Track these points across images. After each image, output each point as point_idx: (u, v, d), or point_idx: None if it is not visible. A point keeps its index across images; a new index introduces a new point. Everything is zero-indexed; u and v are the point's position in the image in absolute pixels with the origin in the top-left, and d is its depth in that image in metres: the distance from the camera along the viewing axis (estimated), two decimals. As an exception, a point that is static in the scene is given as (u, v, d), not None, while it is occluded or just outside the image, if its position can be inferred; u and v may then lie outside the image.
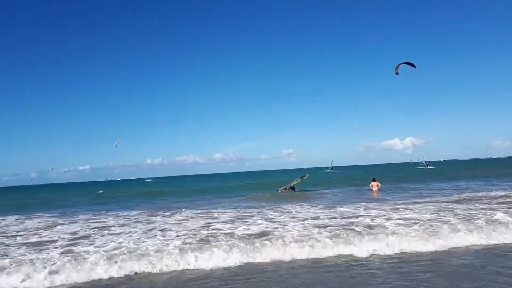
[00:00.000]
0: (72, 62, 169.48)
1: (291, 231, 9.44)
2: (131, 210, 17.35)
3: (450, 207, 12.59)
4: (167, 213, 15.01)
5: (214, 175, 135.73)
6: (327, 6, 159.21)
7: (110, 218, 14.50)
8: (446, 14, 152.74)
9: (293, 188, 26.04)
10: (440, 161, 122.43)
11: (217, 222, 11.76)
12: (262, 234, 9.18)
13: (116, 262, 7.24)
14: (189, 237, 9.21)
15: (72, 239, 10.12)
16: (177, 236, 9.55)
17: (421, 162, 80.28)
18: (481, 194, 16.64)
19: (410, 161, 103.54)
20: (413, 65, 16.97)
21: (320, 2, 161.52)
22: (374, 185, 21.97)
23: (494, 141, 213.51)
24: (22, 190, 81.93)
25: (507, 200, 13.89)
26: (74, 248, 8.78)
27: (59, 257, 7.82)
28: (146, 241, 9.00)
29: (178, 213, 15.00)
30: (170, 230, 10.67)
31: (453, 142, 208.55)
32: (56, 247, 9.05)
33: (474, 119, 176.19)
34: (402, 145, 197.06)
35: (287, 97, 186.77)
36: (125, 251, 7.93)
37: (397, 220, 10.22)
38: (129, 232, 10.67)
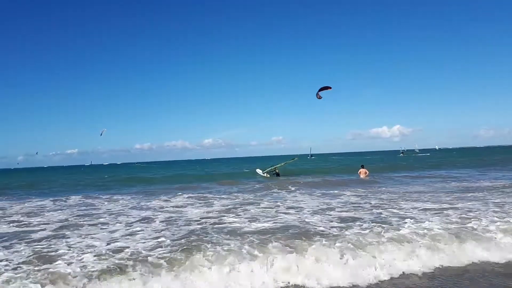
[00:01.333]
0: (62, 47, 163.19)
1: (317, 225, 8.02)
2: (113, 197, 16.21)
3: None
4: (156, 201, 13.94)
5: (203, 161, 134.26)
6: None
7: (91, 207, 13.38)
8: (435, 8, 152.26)
9: (277, 174, 25.34)
10: (435, 148, 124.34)
11: (219, 214, 10.55)
12: (289, 232, 7.21)
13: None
14: (188, 236, 7.90)
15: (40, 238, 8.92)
16: (173, 236, 8.09)
17: (413, 150, 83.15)
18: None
19: (400, 148, 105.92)
20: (329, 87, 19.36)
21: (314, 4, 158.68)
22: (362, 172, 21.74)
23: (480, 131, 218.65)
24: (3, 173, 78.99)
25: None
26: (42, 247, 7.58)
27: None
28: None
29: (167, 200, 13.96)
30: (160, 223, 9.55)
31: (440, 131, 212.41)
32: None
33: (461, 109, 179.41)
34: (390, 133, 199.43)
35: (277, 85, 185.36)
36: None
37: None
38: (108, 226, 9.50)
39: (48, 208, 13.31)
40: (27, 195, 19.02)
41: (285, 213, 9.97)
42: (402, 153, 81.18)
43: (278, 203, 12.08)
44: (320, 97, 20.15)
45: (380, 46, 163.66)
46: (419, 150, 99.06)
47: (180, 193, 16.30)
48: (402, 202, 11.11)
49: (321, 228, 7.68)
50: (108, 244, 7.08)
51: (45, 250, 6.81)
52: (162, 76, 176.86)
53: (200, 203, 12.91)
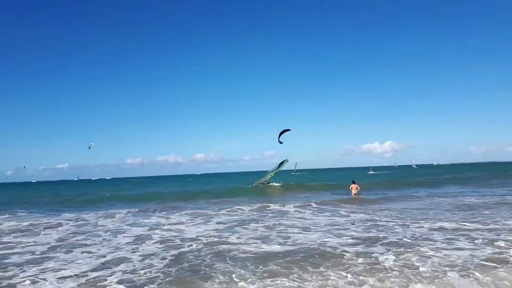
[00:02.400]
0: (52, 56, 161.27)
1: (338, 247, 7.23)
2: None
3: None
4: (152, 219, 13.17)
5: (193, 176, 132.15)
6: (313, 9, 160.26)
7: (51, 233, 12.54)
8: (425, 28, 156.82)
9: (268, 183, 25.26)
10: (433, 164, 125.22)
11: (220, 232, 9.83)
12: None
13: None
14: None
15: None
16: (165, 264, 6.97)
17: (410, 166, 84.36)
18: None
19: (394, 164, 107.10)
20: (288, 130, 21.74)
21: (306, 7, 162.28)
22: (354, 188, 21.39)
23: (471, 147, 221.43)
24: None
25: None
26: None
27: None
28: None
29: (164, 218, 13.20)
30: (155, 245, 8.79)
31: (432, 147, 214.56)
32: None
33: (452, 125, 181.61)
34: (381, 149, 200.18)
35: (270, 99, 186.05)
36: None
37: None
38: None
39: (42, 226, 12.38)
40: (18, 211, 17.96)
41: (296, 232, 9.38)
42: (372, 169, 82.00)
43: (282, 221, 11.51)
44: (281, 142, 21.61)
45: (373, 62, 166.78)
46: (416, 166, 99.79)
47: (176, 210, 15.55)
48: (410, 220, 10.66)
49: (348, 253, 6.94)
50: (87, 274, 6.19)
51: (11, 281, 5.94)
52: (154, 89, 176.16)
53: (199, 220, 12.22)
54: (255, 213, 13.98)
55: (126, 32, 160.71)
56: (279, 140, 22.72)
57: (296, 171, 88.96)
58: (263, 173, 28.13)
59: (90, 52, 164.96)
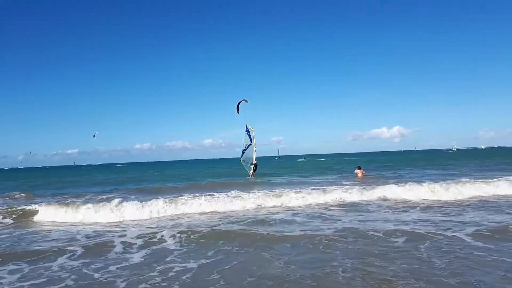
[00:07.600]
0: (61, 46, 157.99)
1: None
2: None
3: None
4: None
5: (201, 161, 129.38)
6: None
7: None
8: (434, 10, 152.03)
9: (255, 166, 23.69)
10: (480, 147, 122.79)
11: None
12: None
13: None
14: None
15: None
16: None
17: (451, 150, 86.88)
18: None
19: (414, 149, 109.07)
20: (245, 101, 22.85)
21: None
22: (359, 173, 21.95)
23: (480, 131, 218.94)
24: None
25: None
26: None
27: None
28: None
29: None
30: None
31: (439, 132, 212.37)
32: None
33: (461, 110, 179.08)
34: (389, 134, 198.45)
35: (278, 85, 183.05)
36: None
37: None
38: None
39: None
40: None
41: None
42: (304, 158, 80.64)
43: (340, 218, 9.21)
44: (238, 112, 23.21)
45: (380, 48, 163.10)
46: (457, 149, 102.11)
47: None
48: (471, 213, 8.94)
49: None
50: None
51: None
52: (163, 76, 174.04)
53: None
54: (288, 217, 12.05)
55: (142, 20, 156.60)
56: (238, 109, 23.35)
57: (279, 157, 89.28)
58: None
59: (100, 42, 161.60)
